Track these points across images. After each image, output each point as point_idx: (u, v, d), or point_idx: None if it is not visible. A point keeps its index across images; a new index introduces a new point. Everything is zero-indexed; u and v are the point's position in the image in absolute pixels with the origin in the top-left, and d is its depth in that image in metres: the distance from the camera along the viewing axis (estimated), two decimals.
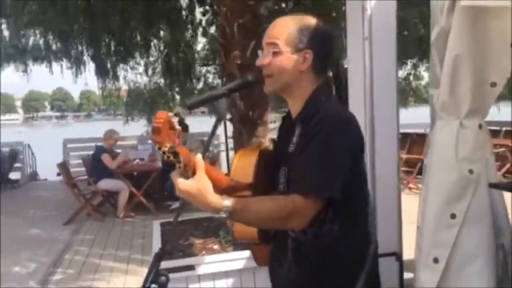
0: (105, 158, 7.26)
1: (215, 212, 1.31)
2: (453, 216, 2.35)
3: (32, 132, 43.34)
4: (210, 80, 10.80)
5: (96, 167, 7.36)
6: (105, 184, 7.30)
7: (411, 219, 2.77)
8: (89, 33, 8.02)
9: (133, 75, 9.82)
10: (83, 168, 8.22)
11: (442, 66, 2.40)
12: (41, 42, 8.58)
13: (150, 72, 9.72)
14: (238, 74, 3.66)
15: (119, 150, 8.05)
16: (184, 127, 1.29)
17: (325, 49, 1.54)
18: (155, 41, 9.12)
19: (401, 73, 10.63)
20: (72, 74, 9.17)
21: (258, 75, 1.52)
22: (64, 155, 11.13)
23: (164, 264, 2.94)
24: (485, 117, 2.45)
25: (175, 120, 1.26)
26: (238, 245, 3.41)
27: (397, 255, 2.69)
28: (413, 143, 8.79)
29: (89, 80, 9.67)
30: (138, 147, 9.04)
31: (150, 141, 8.94)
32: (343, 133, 1.40)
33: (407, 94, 11.82)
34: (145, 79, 9.94)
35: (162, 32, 8.79)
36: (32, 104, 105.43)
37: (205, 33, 8.74)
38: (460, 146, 2.36)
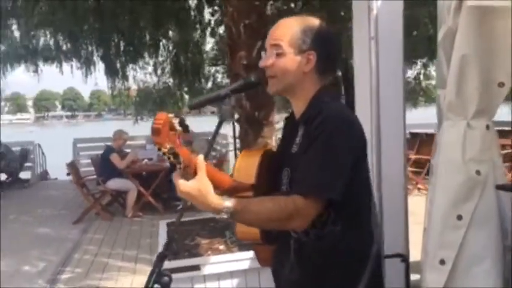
0: (114, 157, 7.30)
1: (216, 213, 1.31)
2: (460, 217, 2.34)
3: (43, 132, 43.67)
4: (218, 80, 10.84)
5: (105, 166, 7.40)
6: (114, 184, 7.33)
7: (420, 220, 2.74)
8: (98, 33, 8.09)
9: (143, 75, 9.88)
10: (93, 168, 8.28)
11: (449, 66, 2.38)
12: (51, 42, 8.65)
13: (159, 72, 9.78)
14: (244, 74, 3.67)
15: (128, 150, 8.09)
16: (185, 128, 1.29)
17: (329, 50, 1.53)
18: (164, 41, 9.16)
19: (411, 73, 10.59)
20: (82, 74, 9.27)
21: (261, 76, 1.52)
22: (74, 154, 11.20)
23: (170, 264, 2.97)
24: (493, 118, 2.43)
25: (175, 121, 1.25)
26: (243, 246, 3.41)
27: (403, 257, 2.67)
28: (423, 143, 8.69)
29: (98, 79, 9.72)
30: (147, 146, 9.08)
31: None
32: (345, 134, 1.39)
33: (417, 94, 11.76)
34: (154, 79, 10.00)
35: (171, 32, 8.83)
36: (43, 103, 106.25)
37: (213, 34, 8.76)
38: (467, 147, 2.35)
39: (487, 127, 2.37)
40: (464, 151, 2.34)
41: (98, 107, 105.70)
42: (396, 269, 2.68)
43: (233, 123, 4.15)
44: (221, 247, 3.58)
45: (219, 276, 3.11)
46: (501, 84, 2.32)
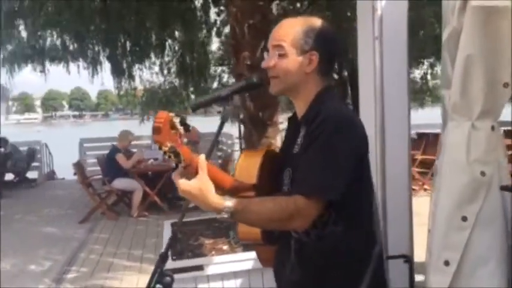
0: (120, 157, 7.33)
1: (217, 213, 1.32)
2: (464, 218, 2.32)
3: (50, 131, 43.94)
4: (224, 80, 10.85)
5: (110, 166, 7.43)
6: (120, 183, 7.36)
7: (426, 221, 2.73)
8: (104, 33, 8.11)
9: (149, 75, 9.91)
10: (99, 168, 8.31)
11: (453, 66, 2.36)
12: (58, 42, 8.68)
13: (165, 72, 9.79)
14: (248, 74, 3.66)
15: (134, 150, 8.12)
16: (186, 127, 1.29)
17: (331, 50, 1.53)
18: (170, 41, 9.17)
19: (418, 72, 10.55)
20: (89, 74, 9.29)
21: (264, 77, 1.52)
22: (80, 154, 11.26)
23: (173, 264, 2.97)
24: (498, 119, 2.41)
25: (176, 120, 1.26)
26: (247, 246, 3.40)
27: (407, 258, 2.65)
28: (429, 143, 8.64)
29: (105, 79, 9.76)
30: (153, 146, 9.10)
31: None
32: (345, 133, 1.39)
33: (424, 94, 11.71)
34: (160, 79, 10.02)
35: (177, 33, 8.84)
36: (51, 103, 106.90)
37: (219, 34, 8.77)
38: (472, 148, 2.33)
39: (492, 128, 2.35)
40: (469, 152, 2.32)
41: (105, 107, 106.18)
42: (400, 270, 2.67)
43: (239, 124, 4.15)
44: (225, 247, 3.58)
45: (223, 277, 3.12)
46: (506, 85, 2.30)
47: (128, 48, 8.89)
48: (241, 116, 4.09)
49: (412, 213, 2.88)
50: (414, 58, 8.91)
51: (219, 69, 10.97)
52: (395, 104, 2.72)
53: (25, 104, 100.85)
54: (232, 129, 8.06)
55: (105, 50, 8.89)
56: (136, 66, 9.47)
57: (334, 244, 1.44)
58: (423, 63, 10.26)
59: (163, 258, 1.40)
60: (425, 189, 7.75)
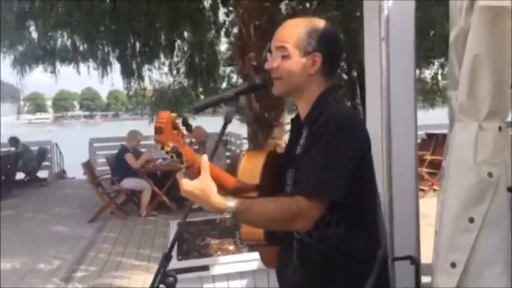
0: (129, 157, 7.37)
1: (219, 213, 1.32)
2: (472, 220, 2.30)
3: (61, 131, 44.30)
4: (233, 80, 10.85)
5: (119, 166, 7.47)
6: (129, 183, 7.40)
7: (433, 222, 2.71)
8: (114, 34, 8.15)
9: (158, 75, 9.94)
10: (108, 167, 8.36)
11: (460, 67, 2.35)
12: (68, 43, 8.75)
13: (174, 72, 9.83)
14: (254, 75, 3.66)
15: (143, 150, 8.16)
16: (188, 127, 1.29)
17: (334, 51, 1.53)
18: (179, 41, 9.20)
19: (429, 73, 10.47)
20: (99, 74, 9.35)
21: (267, 78, 1.52)
22: (90, 154, 11.33)
23: (179, 264, 2.98)
24: (506, 119, 2.39)
25: (178, 120, 1.26)
26: (253, 246, 3.40)
27: (413, 259, 2.64)
28: (439, 143, 8.55)
29: (115, 80, 9.81)
30: None
31: None
32: (348, 134, 1.39)
33: (435, 94, 11.61)
34: (170, 79, 10.05)
35: (186, 33, 8.87)
36: (62, 103, 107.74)
37: (228, 34, 8.78)
38: (479, 149, 2.31)
39: (500, 129, 2.32)
40: (476, 153, 2.30)
41: (115, 107, 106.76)
42: (406, 271, 2.66)
43: (247, 124, 4.15)
44: (231, 247, 3.59)
45: (228, 277, 3.12)
46: None
47: (138, 49, 8.93)
48: (248, 117, 4.09)
49: (419, 214, 2.87)
50: (424, 58, 8.85)
51: (228, 69, 10.97)
52: (402, 104, 2.71)
53: (36, 104, 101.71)
54: (241, 129, 8.07)
55: (115, 51, 8.94)
56: (146, 66, 9.51)
57: (336, 245, 1.44)
58: (433, 64, 10.18)
59: (166, 258, 1.41)
60: (434, 190, 7.70)
